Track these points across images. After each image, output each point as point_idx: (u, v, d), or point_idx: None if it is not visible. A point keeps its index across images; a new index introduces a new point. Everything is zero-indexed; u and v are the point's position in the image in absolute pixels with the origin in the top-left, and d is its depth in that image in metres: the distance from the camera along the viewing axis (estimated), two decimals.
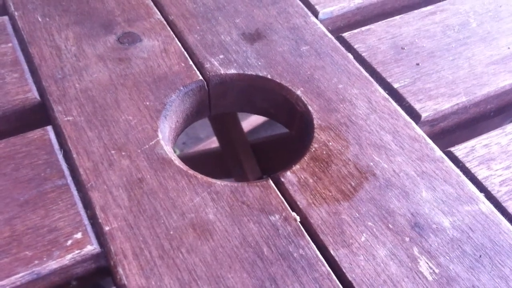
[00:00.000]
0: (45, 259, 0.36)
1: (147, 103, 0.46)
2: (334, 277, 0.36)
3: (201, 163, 0.88)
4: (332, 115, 0.46)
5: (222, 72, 0.49)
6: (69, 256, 0.36)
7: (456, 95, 0.48)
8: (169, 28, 0.53)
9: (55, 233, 0.37)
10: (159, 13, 0.55)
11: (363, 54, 0.52)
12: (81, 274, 0.37)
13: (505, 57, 0.52)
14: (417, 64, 0.51)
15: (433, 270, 0.36)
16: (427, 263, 0.37)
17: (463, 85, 0.49)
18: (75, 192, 0.40)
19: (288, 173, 0.41)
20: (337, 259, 0.37)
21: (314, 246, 0.37)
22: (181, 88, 0.48)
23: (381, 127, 0.45)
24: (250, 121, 1.43)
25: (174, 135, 0.48)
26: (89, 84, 0.47)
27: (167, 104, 0.46)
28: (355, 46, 0.53)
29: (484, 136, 0.45)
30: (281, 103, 0.49)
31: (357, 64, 0.51)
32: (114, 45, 0.51)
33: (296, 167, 0.42)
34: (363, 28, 0.55)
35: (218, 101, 0.51)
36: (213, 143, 1.37)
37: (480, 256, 0.37)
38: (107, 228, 0.37)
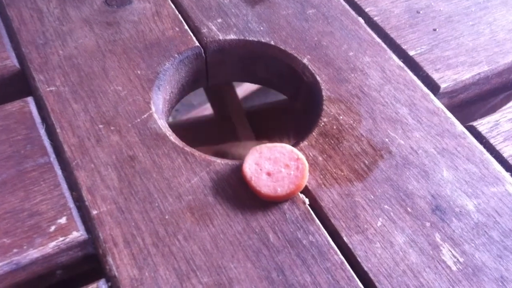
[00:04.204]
0: (25, 247, 0.32)
1: (139, 72, 0.42)
2: (348, 266, 0.32)
3: (195, 131, 0.84)
4: (343, 85, 0.42)
5: (221, 37, 0.45)
6: (52, 244, 0.32)
7: (477, 63, 0.44)
8: None
9: (36, 218, 0.33)
10: None
11: (375, 18, 0.47)
12: (67, 263, 0.33)
13: None
14: (434, 30, 0.47)
15: (457, 259, 0.33)
16: (450, 251, 0.33)
17: (484, 53, 0.45)
18: (59, 172, 0.36)
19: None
20: (350, 246, 0.33)
21: (325, 232, 0.34)
22: (176, 55, 0.43)
23: (396, 99, 0.41)
24: (244, 88, 1.38)
25: (169, 107, 0.44)
26: (74, 50, 0.43)
27: (161, 73, 0.42)
28: (366, 10, 0.48)
29: (509, 109, 0.41)
30: (286, 72, 0.45)
31: (368, 29, 0.46)
32: (101, 8, 0.46)
33: (304, 143, 0.38)
34: None
35: (216, 70, 0.47)
36: (207, 110, 1.33)
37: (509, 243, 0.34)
38: (95, 212, 0.34)
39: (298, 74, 0.44)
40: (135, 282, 0.31)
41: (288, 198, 0.35)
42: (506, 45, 0.46)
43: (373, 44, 0.45)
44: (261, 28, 0.46)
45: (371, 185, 0.36)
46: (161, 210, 0.34)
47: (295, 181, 0.34)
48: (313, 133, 0.39)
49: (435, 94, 0.42)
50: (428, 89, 0.42)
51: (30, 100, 0.40)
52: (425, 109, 0.40)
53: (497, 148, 0.39)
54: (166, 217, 0.34)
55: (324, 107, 0.40)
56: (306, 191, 0.35)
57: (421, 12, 0.48)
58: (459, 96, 0.44)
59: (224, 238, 0.33)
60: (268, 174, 0.35)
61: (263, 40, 0.45)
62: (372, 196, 0.35)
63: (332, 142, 0.38)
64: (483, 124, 0.40)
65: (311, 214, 0.34)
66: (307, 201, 0.35)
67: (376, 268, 0.32)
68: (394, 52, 0.45)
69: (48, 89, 0.40)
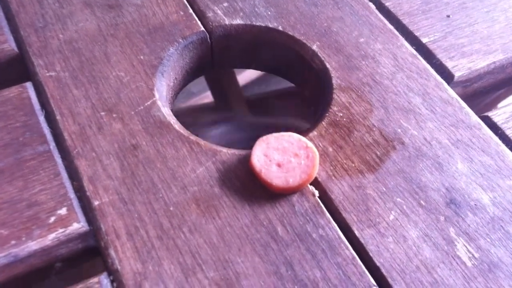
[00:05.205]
0: (23, 239, 0.31)
1: (142, 57, 0.40)
2: (360, 262, 0.31)
3: (193, 118, 0.83)
4: (353, 73, 0.40)
5: (227, 22, 0.43)
6: (52, 236, 0.31)
7: (492, 52, 0.43)
8: None
9: (35, 208, 0.32)
10: None
11: (386, 4, 0.46)
12: (67, 255, 0.32)
13: None
14: (448, 16, 0.45)
15: (473, 255, 0.32)
16: (465, 246, 0.32)
17: (500, 41, 0.43)
18: (59, 160, 0.34)
19: None
20: (362, 241, 0.32)
21: (336, 226, 0.32)
22: (180, 40, 0.42)
23: (409, 88, 0.39)
24: (244, 76, 1.37)
25: (172, 95, 0.42)
26: (75, 34, 0.41)
27: (164, 59, 0.40)
28: None
29: None
30: (294, 59, 0.43)
31: (380, 15, 0.45)
32: None
33: (313, 133, 0.37)
34: None
35: (221, 56, 0.45)
36: (206, 98, 1.32)
37: None
38: (96, 203, 0.32)
39: (307, 61, 0.42)
40: (138, 276, 0.30)
41: (299, 189, 0.33)
42: None
43: (385, 30, 0.43)
44: (269, 12, 0.44)
45: (383, 177, 0.35)
46: (166, 201, 0.33)
47: (306, 170, 0.33)
48: (323, 123, 0.37)
49: (448, 83, 0.40)
50: (442, 77, 0.41)
51: (28, 85, 0.38)
52: (439, 98, 0.39)
53: None
54: (171, 208, 0.32)
55: (334, 95, 0.39)
56: (315, 183, 0.34)
57: None
58: (473, 85, 0.43)
59: (231, 231, 0.32)
60: (278, 165, 0.33)
61: (270, 26, 0.43)
62: (384, 189, 0.34)
63: (343, 132, 0.37)
64: (498, 115, 0.39)
65: (321, 206, 0.33)
66: (316, 193, 0.34)
67: (389, 263, 0.31)
68: (406, 39, 0.43)
69: (47, 74, 0.38)
